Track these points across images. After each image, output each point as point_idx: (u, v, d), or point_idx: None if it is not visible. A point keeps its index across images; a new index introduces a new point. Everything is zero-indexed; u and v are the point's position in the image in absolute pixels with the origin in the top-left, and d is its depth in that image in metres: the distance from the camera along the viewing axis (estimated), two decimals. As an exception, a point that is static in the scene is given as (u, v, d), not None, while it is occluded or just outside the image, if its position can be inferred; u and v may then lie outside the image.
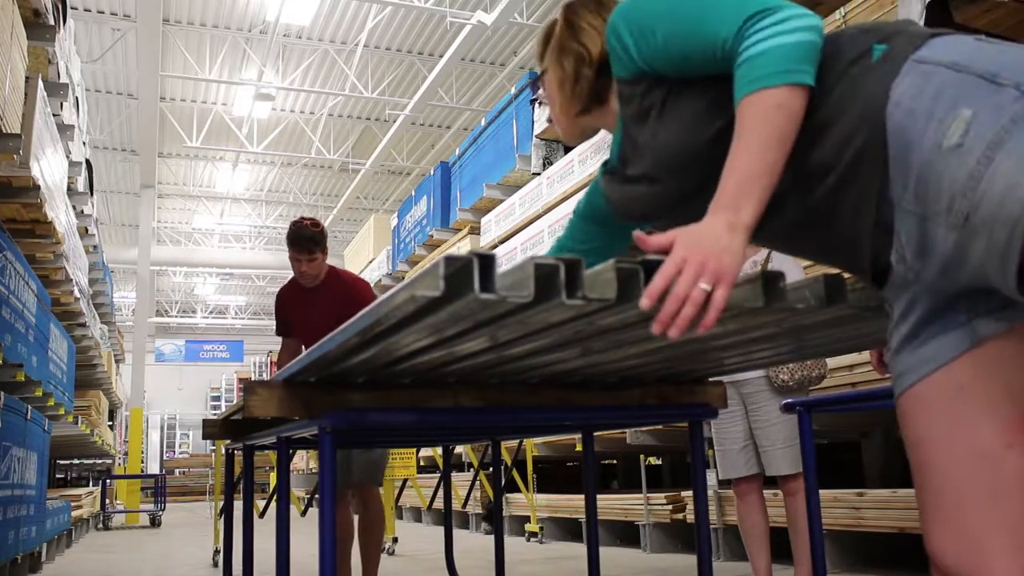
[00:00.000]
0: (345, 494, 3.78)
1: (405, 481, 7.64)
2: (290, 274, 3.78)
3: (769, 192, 1.04)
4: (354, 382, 1.62)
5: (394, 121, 12.46)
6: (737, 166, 1.04)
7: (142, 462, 15.59)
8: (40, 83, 4.23)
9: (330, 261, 3.78)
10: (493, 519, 7.91)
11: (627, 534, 6.18)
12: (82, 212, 6.96)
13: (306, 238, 3.51)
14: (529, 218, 7.25)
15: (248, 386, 1.60)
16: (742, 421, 3.20)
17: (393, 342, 1.14)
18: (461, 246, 8.79)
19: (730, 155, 1.06)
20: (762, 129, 1.03)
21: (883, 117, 1.00)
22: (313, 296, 3.67)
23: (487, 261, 0.85)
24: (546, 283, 0.89)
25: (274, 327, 3.86)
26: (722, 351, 1.52)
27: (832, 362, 4.35)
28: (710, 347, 1.44)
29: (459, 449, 7.91)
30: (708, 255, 0.97)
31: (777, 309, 1.06)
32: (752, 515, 3.22)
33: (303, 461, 12.96)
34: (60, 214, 5.13)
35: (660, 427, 5.41)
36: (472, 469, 7.81)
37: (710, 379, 2.00)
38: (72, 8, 6.55)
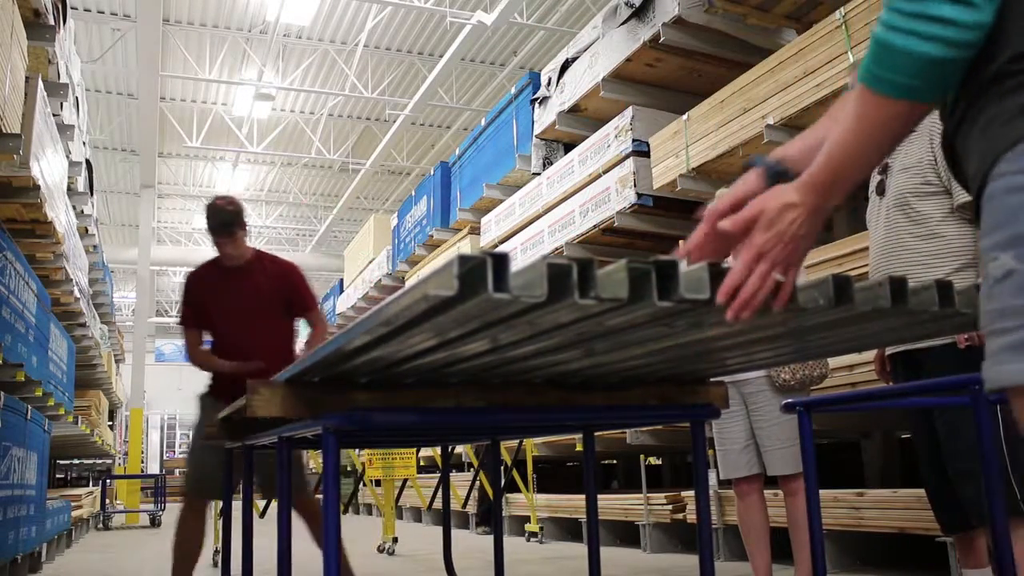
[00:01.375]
0: (202, 502, 3.56)
1: (405, 481, 7.64)
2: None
3: (861, 179, 1.01)
4: (357, 382, 1.62)
5: (394, 121, 12.46)
6: (836, 152, 0.99)
7: (142, 462, 15.58)
8: (40, 83, 4.22)
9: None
10: (487, 520, 7.88)
11: (627, 534, 6.18)
12: (82, 212, 6.95)
13: (224, 223, 3.34)
14: (529, 218, 7.25)
15: (251, 386, 1.60)
16: (743, 421, 3.19)
17: (401, 342, 1.14)
18: (461, 246, 8.80)
19: (834, 134, 1.00)
20: (864, 129, 0.97)
21: (987, 176, 0.93)
22: (238, 278, 3.45)
23: (501, 260, 0.85)
24: (559, 283, 0.88)
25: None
26: (725, 351, 1.52)
27: (832, 362, 4.34)
28: (713, 347, 1.44)
29: (459, 449, 7.91)
30: (786, 246, 0.99)
31: (785, 309, 1.06)
32: (752, 515, 3.22)
33: (303, 461, 12.94)
34: (60, 214, 5.12)
35: (660, 427, 5.41)
36: (472, 469, 7.81)
37: (712, 379, 2.00)
38: (72, 8, 6.55)
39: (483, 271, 0.84)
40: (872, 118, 0.96)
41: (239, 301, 3.44)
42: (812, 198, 1.00)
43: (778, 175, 1.14)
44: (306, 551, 3.73)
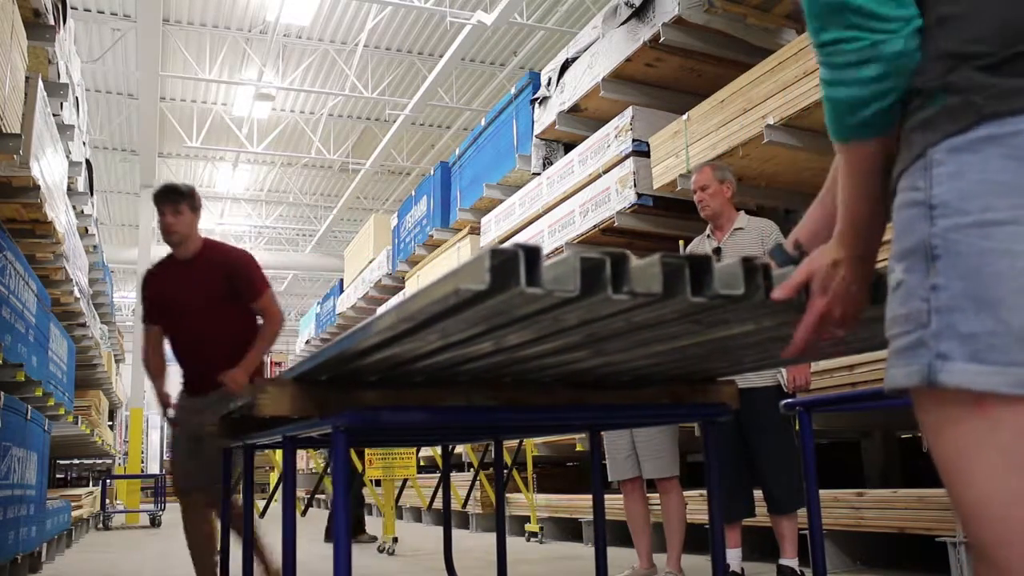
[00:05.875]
0: (190, 496, 3.55)
1: (405, 481, 7.64)
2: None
3: (874, 218, 1.04)
4: (366, 381, 1.61)
5: (394, 121, 12.45)
6: (845, 201, 1.05)
7: (142, 462, 15.55)
8: (40, 83, 4.21)
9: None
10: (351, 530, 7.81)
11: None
12: (82, 212, 6.94)
13: (168, 190, 3.38)
14: (529, 218, 7.24)
15: (259, 384, 1.60)
16: (627, 435, 3.88)
17: (420, 338, 1.13)
18: (461, 246, 8.79)
19: (840, 190, 1.06)
20: (855, 174, 1.03)
21: (894, 190, 0.99)
22: (187, 271, 3.42)
23: (533, 253, 0.83)
24: (592, 277, 0.87)
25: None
26: (740, 351, 1.52)
27: (832, 362, 4.34)
28: (726, 346, 1.44)
29: (459, 449, 7.91)
30: (844, 305, 1.06)
31: (798, 307, 1.06)
32: (636, 508, 3.98)
33: (303, 461, 12.95)
34: (60, 214, 5.11)
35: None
36: (472, 469, 7.81)
37: (721, 378, 1.99)
38: (72, 8, 6.54)
39: (515, 264, 0.82)
40: (855, 164, 1.02)
41: (190, 294, 3.42)
42: (847, 250, 1.05)
43: (793, 261, 1.21)
44: (306, 551, 3.73)
